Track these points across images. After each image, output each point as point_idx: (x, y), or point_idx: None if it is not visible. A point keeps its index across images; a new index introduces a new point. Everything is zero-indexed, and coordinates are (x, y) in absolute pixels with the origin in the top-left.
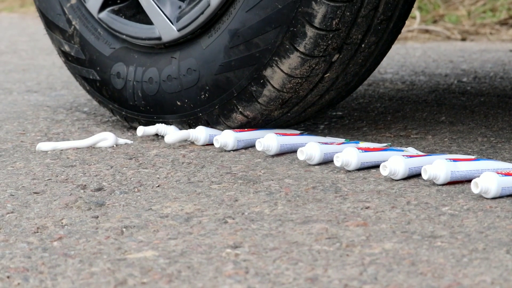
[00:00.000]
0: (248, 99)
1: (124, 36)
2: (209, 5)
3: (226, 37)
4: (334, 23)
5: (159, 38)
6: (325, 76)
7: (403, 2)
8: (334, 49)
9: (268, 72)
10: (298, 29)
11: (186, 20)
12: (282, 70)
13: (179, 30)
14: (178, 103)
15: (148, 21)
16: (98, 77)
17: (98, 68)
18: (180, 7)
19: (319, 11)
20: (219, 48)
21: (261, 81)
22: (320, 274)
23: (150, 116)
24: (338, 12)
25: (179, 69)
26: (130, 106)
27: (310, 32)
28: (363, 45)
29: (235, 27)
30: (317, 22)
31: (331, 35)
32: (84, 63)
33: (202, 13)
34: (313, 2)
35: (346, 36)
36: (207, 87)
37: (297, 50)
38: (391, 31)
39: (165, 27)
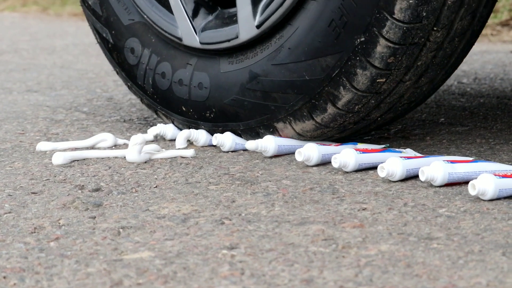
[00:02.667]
0: (253, 137)
1: (145, 17)
2: (237, 36)
3: (245, 75)
4: (357, 107)
5: (180, 39)
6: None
7: (430, 90)
8: (350, 123)
9: (279, 125)
10: (319, 104)
11: (209, 37)
12: (294, 129)
13: (201, 43)
14: (184, 108)
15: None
16: (111, 40)
17: (113, 32)
18: (209, 15)
19: (345, 96)
20: (236, 82)
21: (271, 129)
22: (316, 275)
23: (155, 104)
24: (363, 100)
25: (191, 78)
26: (138, 85)
27: (331, 109)
28: (379, 119)
29: (256, 71)
30: (340, 104)
31: (350, 115)
32: (100, 19)
33: (228, 40)
34: (341, 87)
35: (366, 116)
36: (214, 110)
37: (314, 120)
38: (410, 108)
39: (188, 33)
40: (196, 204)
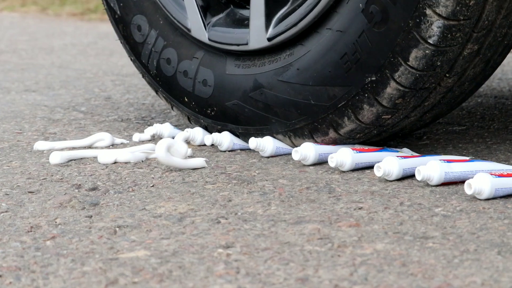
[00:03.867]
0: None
1: None
2: (247, 43)
3: (250, 82)
4: (358, 136)
5: (189, 30)
6: None
7: (432, 119)
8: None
9: (279, 137)
10: (322, 127)
11: (218, 36)
12: (293, 143)
13: (209, 40)
14: (186, 99)
15: None
16: (118, 12)
17: (121, 5)
18: (221, 12)
19: (349, 125)
20: (239, 87)
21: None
22: (311, 274)
23: (156, 85)
24: (366, 130)
25: (196, 72)
26: (141, 62)
27: (332, 134)
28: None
29: (261, 82)
30: (342, 131)
31: (350, 140)
32: None
33: (237, 45)
34: (346, 118)
35: (365, 140)
36: (215, 109)
37: (314, 139)
38: (409, 134)
39: (197, 26)
40: (193, 203)
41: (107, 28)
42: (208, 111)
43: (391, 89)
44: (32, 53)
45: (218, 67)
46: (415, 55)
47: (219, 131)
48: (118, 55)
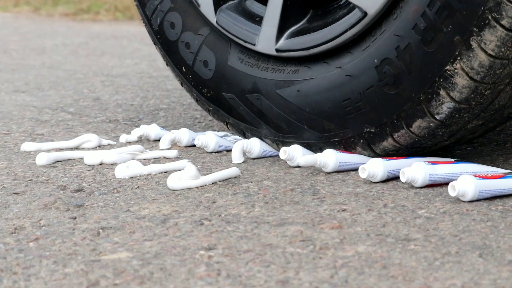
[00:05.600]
0: (239, 134)
1: None
2: (254, 44)
3: (249, 83)
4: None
5: (198, 5)
6: None
7: None
8: None
9: (267, 140)
10: (310, 148)
11: (227, 24)
12: (279, 149)
13: (217, 23)
14: (184, 70)
15: None
16: None
17: None
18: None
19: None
20: (239, 83)
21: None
22: (292, 276)
23: (156, 41)
24: None
25: (198, 50)
26: (145, 14)
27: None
28: None
29: (260, 87)
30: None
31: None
32: None
33: (244, 41)
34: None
35: None
36: (212, 93)
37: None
38: None
39: (207, 4)
40: (177, 205)
41: (99, 28)
42: (204, 91)
43: (388, 143)
44: (23, 53)
45: (221, 53)
46: (419, 124)
47: (209, 111)
48: (109, 56)
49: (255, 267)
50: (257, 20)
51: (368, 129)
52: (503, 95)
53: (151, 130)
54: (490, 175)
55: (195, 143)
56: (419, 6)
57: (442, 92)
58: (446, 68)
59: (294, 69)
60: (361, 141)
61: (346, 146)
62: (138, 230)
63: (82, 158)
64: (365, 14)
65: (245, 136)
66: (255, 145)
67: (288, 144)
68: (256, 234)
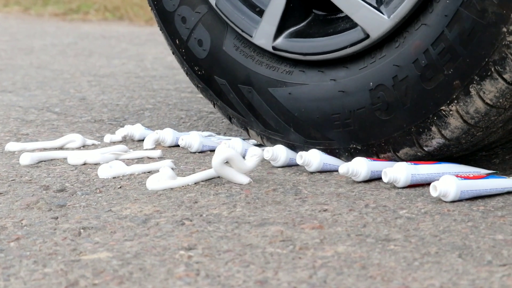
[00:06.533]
0: (226, 118)
1: None
2: (251, 36)
3: (242, 74)
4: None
5: None
6: None
7: None
8: None
9: (251, 132)
10: (293, 149)
11: (227, 10)
12: (264, 144)
13: (216, 6)
14: (177, 42)
15: None
16: None
17: None
18: None
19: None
20: (231, 71)
21: (243, 128)
22: (270, 276)
23: (153, 8)
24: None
25: (194, 27)
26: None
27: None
28: None
29: (253, 81)
30: None
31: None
32: None
33: (241, 30)
34: None
35: None
36: (203, 72)
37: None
38: None
39: None
40: (159, 205)
41: (89, 28)
42: (196, 68)
43: None
44: (11, 53)
45: (216, 36)
46: (406, 151)
47: (198, 88)
48: (97, 56)
49: (234, 267)
50: (257, 10)
51: (354, 146)
52: (494, 135)
53: (136, 130)
54: (472, 176)
55: (179, 143)
56: (422, 42)
57: (434, 128)
58: (441, 108)
59: (289, 70)
60: (346, 154)
61: (330, 155)
62: (119, 230)
63: (65, 158)
64: (368, 36)
65: (230, 121)
66: (238, 146)
67: (273, 140)
68: (237, 234)
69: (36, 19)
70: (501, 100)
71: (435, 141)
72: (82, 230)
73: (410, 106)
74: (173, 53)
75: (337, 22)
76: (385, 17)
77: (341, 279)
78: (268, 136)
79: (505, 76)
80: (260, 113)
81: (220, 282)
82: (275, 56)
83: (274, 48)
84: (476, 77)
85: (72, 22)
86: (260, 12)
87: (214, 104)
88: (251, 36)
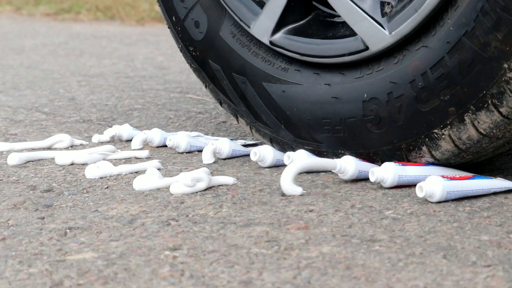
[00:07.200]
0: (217, 101)
1: None
2: (249, 27)
3: (237, 64)
4: None
5: None
6: None
7: None
8: None
9: (242, 121)
10: (281, 144)
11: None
12: (253, 135)
13: None
14: (174, 19)
15: None
16: None
17: None
18: None
19: None
20: (227, 59)
21: (234, 114)
22: (255, 277)
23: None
24: None
25: (192, 7)
26: None
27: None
28: None
29: (248, 73)
30: None
31: None
32: None
33: (241, 20)
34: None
35: None
36: (198, 54)
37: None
38: None
39: None
40: (145, 205)
41: (80, 28)
42: (191, 49)
43: None
44: (2, 53)
45: (214, 20)
46: None
47: (191, 67)
48: (87, 56)
49: (219, 268)
50: (257, 1)
51: (342, 151)
52: (484, 158)
53: (124, 130)
54: (458, 176)
55: (167, 144)
56: (421, 64)
57: (424, 148)
58: (434, 131)
59: (284, 67)
60: (334, 157)
61: (318, 156)
62: (105, 230)
63: (53, 158)
64: (367, 48)
65: (221, 105)
66: (225, 146)
67: (262, 133)
68: (222, 235)
69: (28, 18)
70: (494, 131)
71: (424, 159)
72: (68, 230)
73: (403, 124)
74: (168, 28)
75: (338, 26)
76: (387, 32)
77: (325, 279)
78: (258, 128)
79: (501, 109)
80: (252, 105)
81: (204, 282)
82: (271, 50)
83: (271, 43)
84: (472, 107)
85: (63, 22)
86: (261, 4)
87: (206, 86)
88: (249, 27)
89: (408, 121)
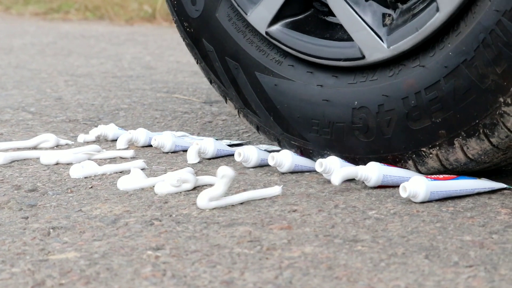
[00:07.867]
0: (207, 75)
1: None
2: (247, 14)
3: (231, 49)
4: None
5: None
6: None
7: None
8: None
9: (231, 104)
10: (267, 134)
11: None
12: (241, 120)
13: None
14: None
15: None
16: None
17: None
18: None
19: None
20: (222, 42)
21: (227, 99)
22: (236, 277)
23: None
24: None
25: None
26: None
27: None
28: None
29: (242, 61)
30: None
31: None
32: None
33: (241, 9)
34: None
35: None
36: (193, 31)
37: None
38: None
39: None
40: (129, 205)
41: (69, 27)
42: (185, 25)
43: None
44: None
45: (211, 1)
46: None
47: (184, 42)
48: (75, 55)
49: (201, 268)
50: None
51: (328, 153)
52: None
53: (109, 130)
54: (442, 176)
55: (152, 143)
56: (416, 83)
57: (410, 162)
58: (422, 149)
59: (278, 60)
60: (319, 156)
61: (303, 153)
62: (88, 230)
63: (38, 158)
64: (363, 57)
65: (210, 83)
66: (209, 146)
67: (250, 119)
68: (205, 235)
69: (17, 18)
70: (483, 157)
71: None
72: (51, 230)
73: (391, 138)
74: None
75: (336, 28)
76: (385, 46)
77: (306, 279)
78: (246, 114)
79: (492, 139)
80: (243, 91)
81: (186, 282)
82: (266, 40)
83: (267, 34)
84: (463, 133)
85: (52, 21)
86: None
87: (197, 62)
88: (246, 14)
89: (396, 135)
